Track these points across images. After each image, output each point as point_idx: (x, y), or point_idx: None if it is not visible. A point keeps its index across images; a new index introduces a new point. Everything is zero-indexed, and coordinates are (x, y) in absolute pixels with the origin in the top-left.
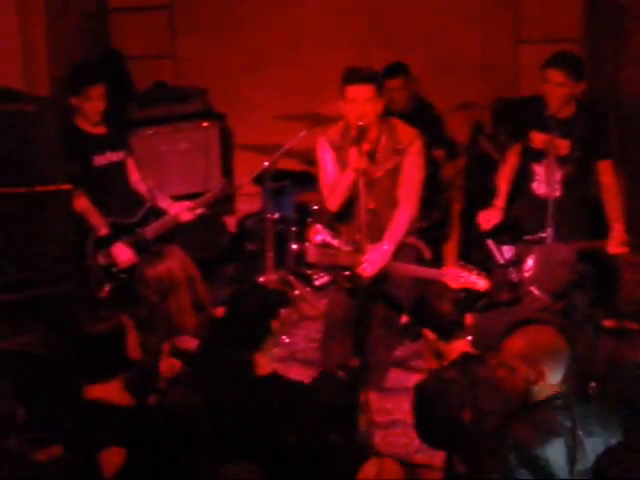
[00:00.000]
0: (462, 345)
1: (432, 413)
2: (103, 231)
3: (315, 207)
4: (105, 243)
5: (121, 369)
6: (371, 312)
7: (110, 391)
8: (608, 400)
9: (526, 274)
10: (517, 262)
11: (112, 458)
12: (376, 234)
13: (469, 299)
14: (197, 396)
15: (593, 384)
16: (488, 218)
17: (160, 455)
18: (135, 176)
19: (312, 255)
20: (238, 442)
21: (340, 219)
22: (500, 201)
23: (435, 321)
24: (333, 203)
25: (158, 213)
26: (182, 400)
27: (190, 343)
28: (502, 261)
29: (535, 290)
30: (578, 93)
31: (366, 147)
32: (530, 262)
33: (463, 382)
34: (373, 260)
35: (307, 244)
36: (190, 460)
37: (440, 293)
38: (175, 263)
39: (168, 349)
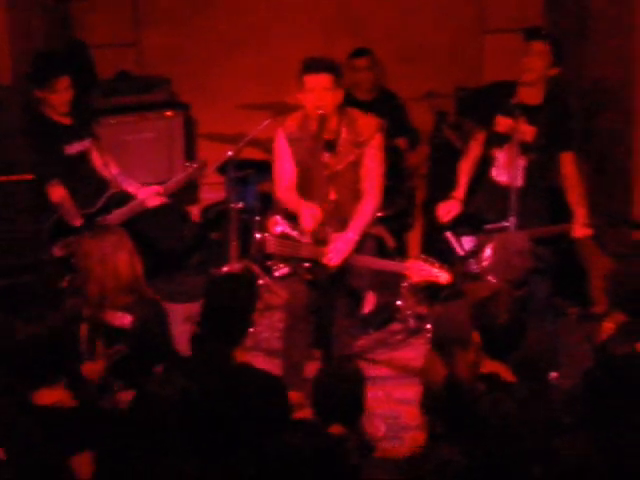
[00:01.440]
0: (498, 367)
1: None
2: (78, 222)
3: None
4: (60, 234)
5: (63, 371)
6: (333, 303)
7: (58, 395)
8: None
9: (484, 264)
10: (477, 253)
11: (84, 463)
12: (337, 225)
13: (432, 289)
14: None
15: (554, 374)
16: (447, 210)
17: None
18: (99, 162)
19: (271, 246)
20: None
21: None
22: (459, 192)
23: (490, 332)
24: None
25: (120, 201)
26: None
27: (123, 319)
28: (462, 253)
29: (493, 279)
30: (549, 77)
31: (326, 136)
32: (488, 252)
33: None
34: (338, 250)
35: (267, 235)
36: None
37: (503, 312)
38: (112, 244)
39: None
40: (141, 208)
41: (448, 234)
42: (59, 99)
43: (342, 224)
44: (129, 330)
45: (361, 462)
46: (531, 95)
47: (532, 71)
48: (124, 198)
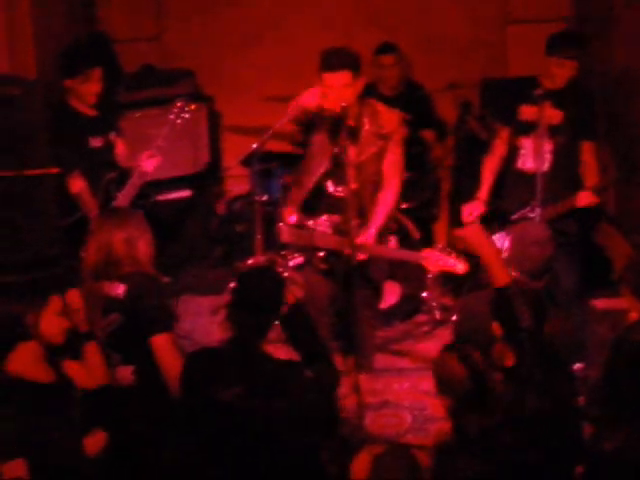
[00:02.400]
0: None
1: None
2: (95, 214)
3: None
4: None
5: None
6: (353, 293)
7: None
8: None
9: (502, 256)
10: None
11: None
12: (357, 216)
13: (458, 280)
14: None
15: (580, 365)
16: (470, 211)
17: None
18: (124, 155)
19: (286, 235)
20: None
21: (307, 196)
22: (483, 193)
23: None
24: None
25: (120, 184)
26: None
27: (117, 289)
28: None
29: (512, 271)
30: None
31: (350, 123)
32: (505, 243)
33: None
34: (366, 242)
35: (281, 224)
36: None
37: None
38: (118, 222)
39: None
40: (142, 179)
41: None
42: (90, 89)
43: (360, 214)
44: (123, 300)
45: None
46: (554, 83)
47: (564, 79)
48: (124, 179)
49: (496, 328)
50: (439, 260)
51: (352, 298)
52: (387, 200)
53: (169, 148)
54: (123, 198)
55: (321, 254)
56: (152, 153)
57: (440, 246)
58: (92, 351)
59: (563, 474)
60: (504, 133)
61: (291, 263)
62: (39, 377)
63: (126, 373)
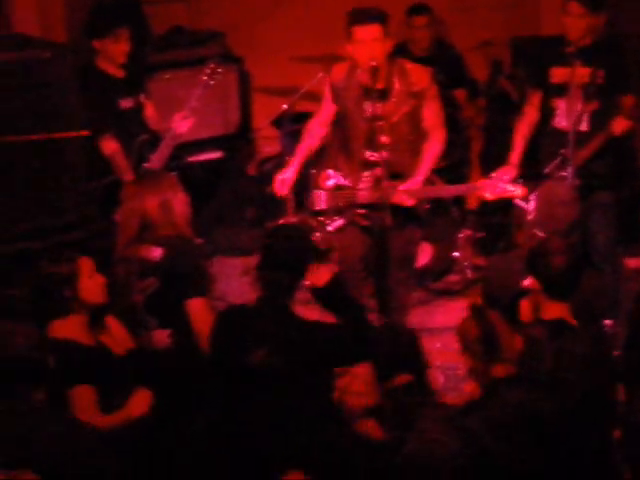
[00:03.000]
0: (561, 309)
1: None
2: (129, 176)
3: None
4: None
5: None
6: (389, 252)
7: (71, 329)
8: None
9: (529, 217)
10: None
11: (84, 396)
12: (388, 171)
13: (489, 240)
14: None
15: (608, 321)
16: (501, 177)
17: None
18: (154, 117)
19: (325, 201)
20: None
21: (341, 157)
22: (515, 157)
23: (547, 274)
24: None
25: (153, 145)
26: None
27: (154, 252)
28: (533, 215)
29: (538, 232)
30: (599, 25)
31: (379, 86)
32: (532, 204)
33: (547, 346)
34: (409, 190)
35: (318, 191)
36: None
37: (561, 250)
38: (151, 186)
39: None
40: (175, 140)
41: (516, 200)
42: (119, 49)
43: (395, 173)
44: (159, 263)
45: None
46: (584, 39)
47: (577, 31)
48: (155, 141)
49: (532, 282)
50: (496, 187)
51: (388, 257)
52: (433, 149)
53: (200, 109)
54: (156, 160)
55: (362, 211)
56: (186, 114)
57: (494, 174)
58: (113, 323)
59: (598, 436)
60: (535, 98)
61: (330, 227)
62: (85, 342)
63: (163, 337)
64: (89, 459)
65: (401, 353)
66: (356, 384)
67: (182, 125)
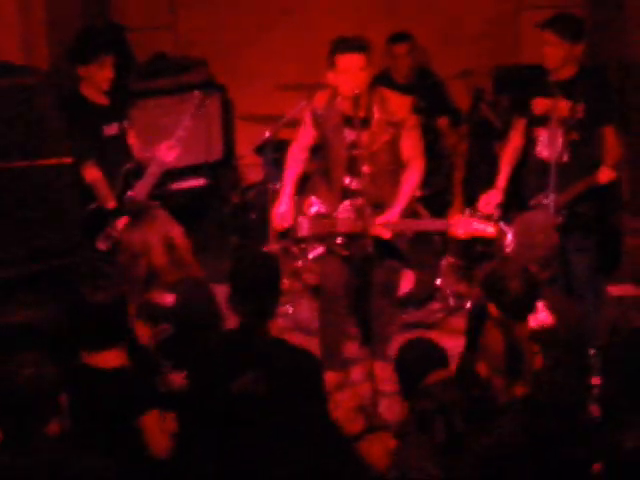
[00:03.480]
0: (522, 329)
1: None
2: (111, 204)
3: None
4: (98, 224)
5: (119, 338)
6: (370, 280)
7: (110, 359)
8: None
9: (507, 250)
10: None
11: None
12: (370, 200)
13: (472, 268)
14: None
15: (592, 351)
16: (487, 201)
17: None
18: (137, 144)
19: (307, 228)
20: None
21: (323, 185)
22: (501, 182)
23: (504, 299)
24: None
25: (138, 173)
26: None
27: (166, 299)
28: None
29: (520, 263)
30: (577, 55)
31: (361, 114)
32: (509, 236)
33: None
34: (388, 221)
35: (300, 218)
36: None
37: (515, 273)
38: (150, 229)
39: (134, 312)
40: (161, 168)
41: (501, 225)
42: (104, 76)
43: (379, 205)
44: (172, 309)
45: None
46: (565, 72)
47: (553, 60)
48: (142, 169)
49: (491, 308)
50: (468, 225)
51: (369, 285)
52: (411, 180)
53: (183, 137)
54: (141, 188)
55: (341, 240)
56: (173, 144)
57: (467, 212)
58: None
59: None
60: (520, 124)
61: (311, 255)
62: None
63: (178, 379)
64: None
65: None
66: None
67: (169, 155)
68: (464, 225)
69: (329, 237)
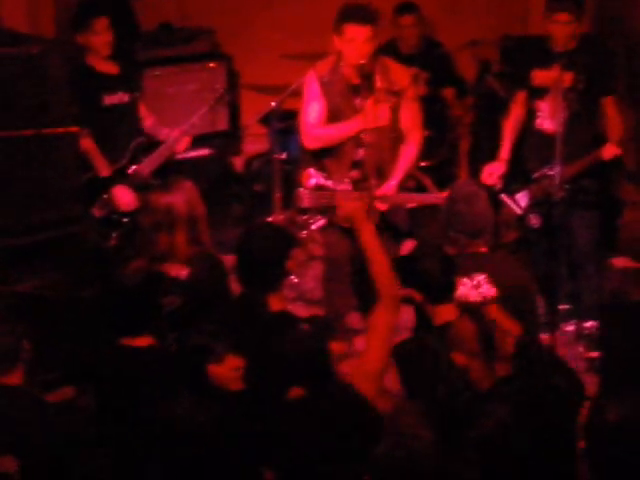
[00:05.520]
0: (448, 311)
1: (409, 379)
2: (104, 172)
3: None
4: (95, 191)
5: (152, 321)
6: None
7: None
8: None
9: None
10: (535, 205)
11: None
12: (372, 169)
13: None
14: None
15: (592, 323)
16: (491, 171)
17: None
18: (144, 113)
19: (307, 199)
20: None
21: (327, 157)
22: (504, 153)
23: (422, 282)
24: (321, 143)
25: (148, 150)
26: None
27: (181, 271)
28: (520, 211)
29: (451, 232)
30: (581, 29)
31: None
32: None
33: (442, 352)
34: (385, 194)
35: (301, 189)
36: None
37: (430, 252)
38: (179, 199)
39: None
40: (170, 152)
41: (503, 196)
42: (99, 40)
43: (379, 171)
44: (184, 282)
45: None
46: (567, 44)
47: (564, 38)
48: (152, 146)
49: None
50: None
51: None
52: (408, 154)
53: (188, 107)
54: (148, 165)
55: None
56: (186, 130)
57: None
58: None
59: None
60: (520, 96)
61: (314, 226)
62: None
63: None
64: (71, 447)
65: None
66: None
67: (181, 144)
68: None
69: (330, 209)
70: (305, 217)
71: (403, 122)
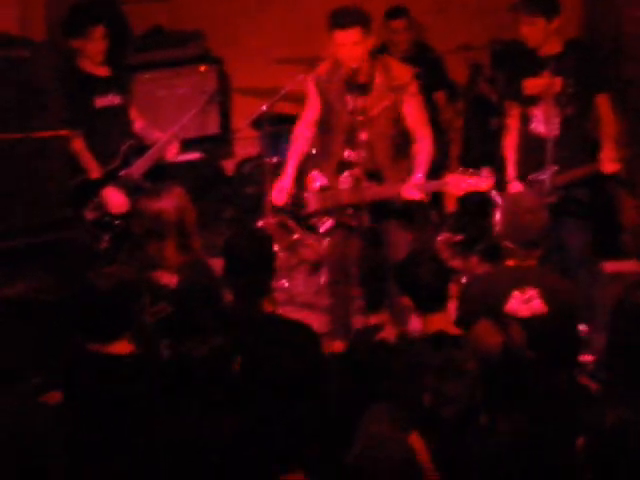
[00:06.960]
0: (440, 320)
1: (397, 387)
2: (96, 174)
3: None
4: (86, 194)
5: (127, 328)
6: (378, 251)
7: (119, 348)
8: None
9: (496, 228)
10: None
11: None
12: (365, 170)
13: (469, 241)
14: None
15: (584, 327)
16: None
17: None
18: (134, 116)
19: (313, 203)
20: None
21: (322, 158)
22: (511, 172)
23: (414, 290)
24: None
25: (139, 152)
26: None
27: (170, 279)
28: None
29: (508, 244)
30: (554, 30)
31: (361, 80)
32: (497, 215)
33: (431, 362)
34: (413, 187)
35: (306, 194)
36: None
37: (423, 261)
38: (169, 206)
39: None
40: (160, 154)
41: (493, 194)
42: (95, 48)
43: (374, 166)
44: (174, 290)
45: None
46: (550, 48)
47: (532, 38)
48: (143, 148)
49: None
50: (462, 182)
51: (375, 254)
52: (424, 149)
53: (179, 110)
54: (138, 167)
55: (350, 211)
56: (176, 132)
57: (461, 169)
58: None
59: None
60: (515, 110)
61: (322, 229)
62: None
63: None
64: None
65: None
66: None
67: (170, 151)
68: (459, 183)
69: (338, 209)
70: (313, 221)
71: (408, 119)
